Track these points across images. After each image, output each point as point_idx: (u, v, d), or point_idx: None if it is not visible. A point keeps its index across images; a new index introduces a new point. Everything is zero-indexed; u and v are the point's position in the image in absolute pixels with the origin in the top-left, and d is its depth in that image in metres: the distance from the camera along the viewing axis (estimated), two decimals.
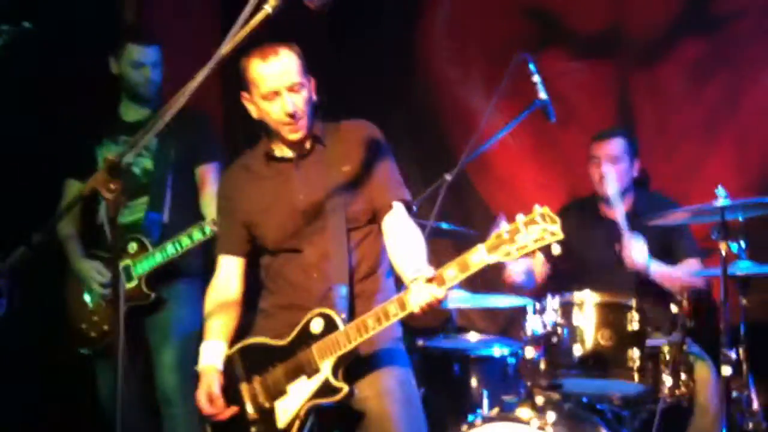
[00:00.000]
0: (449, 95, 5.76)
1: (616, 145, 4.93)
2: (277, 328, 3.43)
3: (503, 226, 3.03)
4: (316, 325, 3.31)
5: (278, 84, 3.36)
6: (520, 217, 3.01)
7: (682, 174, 5.29)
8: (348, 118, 3.58)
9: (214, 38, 5.37)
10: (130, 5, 5.75)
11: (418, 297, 3.10)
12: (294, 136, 3.43)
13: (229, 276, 3.60)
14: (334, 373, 3.26)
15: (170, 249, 4.35)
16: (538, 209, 3.00)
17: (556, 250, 3.00)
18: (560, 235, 2.96)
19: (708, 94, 5.30)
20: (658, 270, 4.66)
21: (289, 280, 3.47)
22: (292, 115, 3.37)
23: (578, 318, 4.16)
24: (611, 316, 4.15)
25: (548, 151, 5.54)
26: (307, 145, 3.49)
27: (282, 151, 3.50)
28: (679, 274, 4.70)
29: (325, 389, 3.27)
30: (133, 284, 4.39)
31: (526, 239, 2.98)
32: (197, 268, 4.54)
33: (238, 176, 3.58)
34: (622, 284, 4.64)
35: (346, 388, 3.25)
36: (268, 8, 2.81)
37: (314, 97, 3.47)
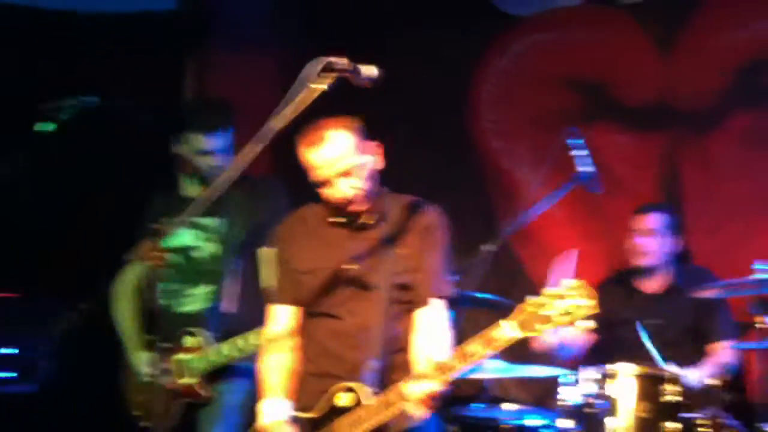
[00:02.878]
0: (494, 166, 5.82)
1: (654, 220, 4.94)
2: (306, 396, 3.42)
3: (529, 299, 2.91)
4: (343, 400, 3.28)
5: (327, 173, 3.31)
6: (548, 290, 2.89)
7: (729, 248, 5.26)
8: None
9: (273, 81, 5.66)
10: (192, 80, 5.94)
11: (419, 386, 3.08)
12: (352, 209, 3.40)
13: (284, 327, 3.50)
14: None
15: (226, 351, 4.13)
16: (567, 282, 2.87)
17: (587, 326, 2.90)
18: (590, 311, 2.83)
19: (757, 167, 5.28)
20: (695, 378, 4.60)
21: (323, 347, 3.43)
22: (347, 200, 3.36)
23: (615, 389, 4.15)
24: (648, 388, 4.14)
25: (593, 222, 5.55)
26: (367, 219, 3.43)
27: (339, 215, 3.44)
28: (707, 373, 4.54)
29: None
30: (188, 381, 4.18)
31: (553, 314, 2.85)
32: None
33: (294, 227, 3.53)
34: (675, 354, 4.63)
35: None
36: (322, 86, 2.90)
37: (377, 167, 3.39)
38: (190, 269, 4.30)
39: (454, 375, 3.05)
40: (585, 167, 4.57)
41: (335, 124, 3.34)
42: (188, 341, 4.21)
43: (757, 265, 4.05)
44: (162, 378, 4.15)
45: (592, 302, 2.83)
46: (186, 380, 4.18)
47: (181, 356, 4.19)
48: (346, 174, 3.31)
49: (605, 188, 4.68)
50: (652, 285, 4.99)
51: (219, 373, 4.20)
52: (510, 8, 5.82)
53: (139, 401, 4.30)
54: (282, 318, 3.53)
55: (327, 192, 3.36)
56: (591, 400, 4.15)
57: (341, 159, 3.29)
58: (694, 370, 4.49)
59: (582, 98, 5.67)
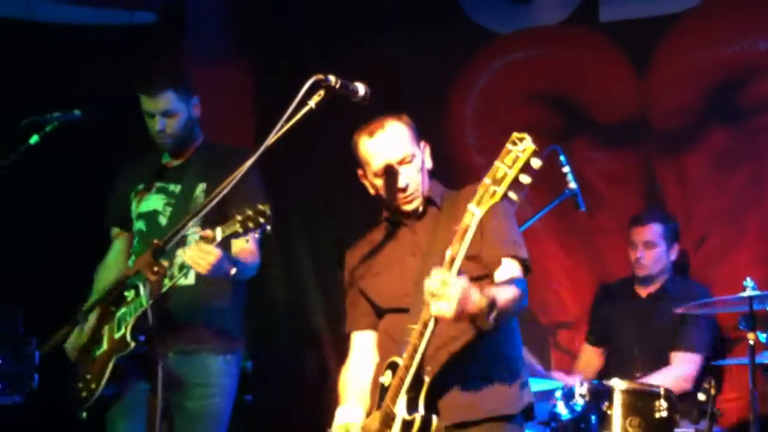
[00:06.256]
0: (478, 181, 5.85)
1: (651, 231, 5.04)
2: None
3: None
4: (385, 378, 3.21)
5: (388, 159, 3.33)
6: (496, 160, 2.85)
7: (708, 263, 5.34)
8: None
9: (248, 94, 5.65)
10: None
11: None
12: (409, 207, 3.39)
13: (363, 354, 3.49)
14: (408, 409, 3.08)
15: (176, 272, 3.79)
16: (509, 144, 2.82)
17: (537, 163, 2.78)
18: (532, 147, 2.78)
19: (734, 184, 5.37)
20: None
21: (393, 337, 3.34)
22: (404, 189, 3.35)
23: (608, 404, 4.21)
24: (640, 403, 4.21)
25: (576, 238, 5.61)
26: (420, 207, 3.42)
27: (396, 214, 3.45)
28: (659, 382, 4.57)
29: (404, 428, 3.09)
30: (119, 334, 3.95)
31: (504, 170, 2.82)
32: (232, 323, 4.13)
33: (362, 250, 3.53)
34: (655, 360, 4.76)
35: (417, 416, 3.08)
36: (311, 103, 2.95)
37: (428, 164, 3.43)
38: (154, 235, 3.90)
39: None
40: (569, 184, 4.65)
41: (392, 116, 3.39)
42: (129, 294, 3.96)
43: (746, 282, 4.12)
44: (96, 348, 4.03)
45: (527, 140, 2.79)
46: (119, 334, 3.95)
47: (123, 310, 3.96)
48: (403, 161, 3.33)
49: (587, 204, 4.75)
50: (643, 291, 5.12)
51: (180, 338, 3.95)
52: (490, 25, 5.87)
53: (83, 372, 4.08)
54: (359, 346, 3.52)
55: (385, 183, 3.35)
56: (584, 415, 4.20)
57: (401, 145, 3.33)
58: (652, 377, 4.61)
59: (561, 115, 5.73)
